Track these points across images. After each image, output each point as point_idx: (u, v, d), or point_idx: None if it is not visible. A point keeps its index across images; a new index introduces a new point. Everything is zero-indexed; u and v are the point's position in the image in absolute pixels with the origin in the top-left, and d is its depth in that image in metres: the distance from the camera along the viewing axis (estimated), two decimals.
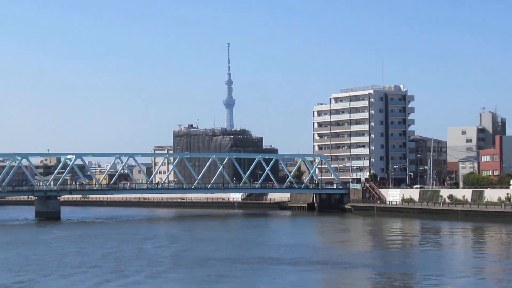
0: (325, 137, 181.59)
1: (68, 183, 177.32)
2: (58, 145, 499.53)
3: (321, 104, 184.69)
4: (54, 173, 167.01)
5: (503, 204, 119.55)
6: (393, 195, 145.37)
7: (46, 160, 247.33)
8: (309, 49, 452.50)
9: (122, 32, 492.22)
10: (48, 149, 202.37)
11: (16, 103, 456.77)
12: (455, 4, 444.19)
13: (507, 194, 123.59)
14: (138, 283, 52.86)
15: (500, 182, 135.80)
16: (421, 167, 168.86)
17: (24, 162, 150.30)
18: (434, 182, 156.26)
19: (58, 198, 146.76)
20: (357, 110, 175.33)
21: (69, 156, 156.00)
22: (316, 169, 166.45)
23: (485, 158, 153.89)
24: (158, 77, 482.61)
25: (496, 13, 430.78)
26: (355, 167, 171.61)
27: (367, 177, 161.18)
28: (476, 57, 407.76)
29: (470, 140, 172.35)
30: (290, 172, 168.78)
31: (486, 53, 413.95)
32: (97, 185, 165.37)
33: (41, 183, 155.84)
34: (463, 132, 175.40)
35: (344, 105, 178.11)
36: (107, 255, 72.65)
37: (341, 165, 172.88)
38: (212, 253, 74.47)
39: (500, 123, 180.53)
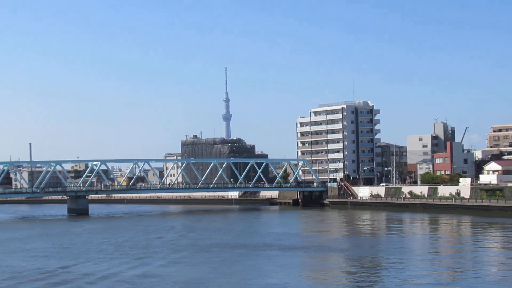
0: (307, 144, 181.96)
1: (95, 184, 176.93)
2: (85, 153, 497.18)
3: (303, 117, 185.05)
4: (83, 176, 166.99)
5: (453, 198, 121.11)
6: (363, 192, 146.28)
7: (76, 165, 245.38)
8: (294, 69, 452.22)
9: (141, 58, 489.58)
10: (78, 157, 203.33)
11: (50, 117, 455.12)
12: (411, 24, 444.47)
13: (457, 190, 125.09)
14: (163, 267, 53.19)
15: (451, 180, 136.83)
16: (386, 168, 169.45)
17: (58, 167, 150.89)
18: (396, 180, 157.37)
19: (86, 197, 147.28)
20: (333, 121, 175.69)
21: (95, 163, 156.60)
22: (300, 171, 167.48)
23: (438, 161, 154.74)
24: (168, 95, 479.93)
25: (448, 32, 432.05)
26: (331, 169, 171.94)
27: (342, 177, 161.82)
28: (431, 73, 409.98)
29: (426, 146, 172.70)
30: (278, 174, 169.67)
31: (440, 70, 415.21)
32: (119, 186, 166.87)
33: (72, 185, 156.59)
34: (420, 139, 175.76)
35: (322, 117, 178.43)
36: (136, 244, 73.05)
37: (320, 168, 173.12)
38: (217, 241, 75.05)
39: (450, 132, 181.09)
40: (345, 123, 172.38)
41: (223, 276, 48.20)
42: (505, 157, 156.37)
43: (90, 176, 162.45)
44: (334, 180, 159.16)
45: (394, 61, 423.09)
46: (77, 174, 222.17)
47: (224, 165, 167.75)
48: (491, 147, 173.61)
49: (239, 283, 45.00)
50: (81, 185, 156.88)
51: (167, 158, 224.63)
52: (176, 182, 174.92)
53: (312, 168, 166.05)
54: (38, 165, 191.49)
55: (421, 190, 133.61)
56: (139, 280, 46.25)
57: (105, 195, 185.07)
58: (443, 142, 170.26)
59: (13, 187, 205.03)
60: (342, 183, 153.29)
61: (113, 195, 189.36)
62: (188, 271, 51.42)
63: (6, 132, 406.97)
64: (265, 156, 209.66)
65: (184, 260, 57.94)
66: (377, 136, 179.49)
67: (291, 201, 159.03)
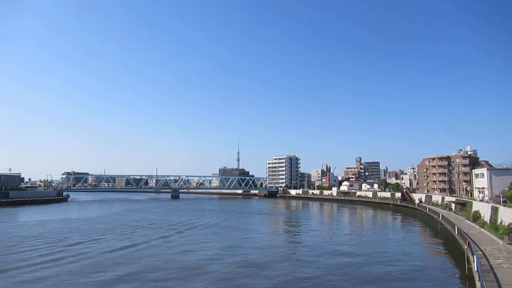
0: (271, 171, 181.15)
1: (182, 185, 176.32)
2: (178, 171, 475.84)
3: (269, 160, 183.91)
4: (178, 182, 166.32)
5: (330, 196, 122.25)
6: (293, 192, 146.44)
7: (175, 177, 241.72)
8: (265, 137, 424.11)
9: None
10: (176, 173, 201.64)
11: (163, 154, 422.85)
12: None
13: (331, 192, 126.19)
14: (211, 217, 54.46)
15: (328, 188, 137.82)
16: (302, 182, 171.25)
17: (167, 178, 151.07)
18: (307, 187, 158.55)
19: (179, 190, 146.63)
20: (281, 163, 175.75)
21: (182, 176, 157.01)
22: (268, 182, 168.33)
23: (324, 180, 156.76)
24: (216, 146, 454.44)
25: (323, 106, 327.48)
26: (280, 182, 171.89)
27: (285, 185, 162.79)
28: (323, 134, 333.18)
29: (319, 173, 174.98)
30: (258, 183, 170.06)
31: (326, 131, 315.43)
32: (192, 186, 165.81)
33: (173, 185, 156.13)
34: (317, 171, 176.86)
35: (277, 161, 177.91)
36: (199, 209, 73.03)
37: (276, 181, 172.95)
38: (233, 209, 75.17)
39: (328, 168, 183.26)
40: (286, 164, 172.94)
41: (237, 223, 49.60)
42: (350, 180, 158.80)
43: (180, 182, 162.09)
44: (281, 186, 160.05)
45: (306, 132, 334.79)
46: (175, 181, 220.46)
47: (236, 179, 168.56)
48: (345, 175, 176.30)
49: (244, 225, 46.85)
50: (177, 185, 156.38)
51: (213, 175, 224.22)
52: (216, 185, 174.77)
53: (273, 181, 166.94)
54: (159, 177, 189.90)
55: (317, 192, 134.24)
56: (204, 224, 47.79)
57: (186, 190, 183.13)
58: (326, 172, 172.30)
59: (148, 185, 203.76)
60: (285, 188, 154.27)
61: (190, 190, 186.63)
62: (223, 221, 52.61)
63: (147, 162, 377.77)
64: (253, 176, 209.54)
65: (220, 216, 58.76)
66: (299, 169, 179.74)
67: (263, 195, 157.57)
